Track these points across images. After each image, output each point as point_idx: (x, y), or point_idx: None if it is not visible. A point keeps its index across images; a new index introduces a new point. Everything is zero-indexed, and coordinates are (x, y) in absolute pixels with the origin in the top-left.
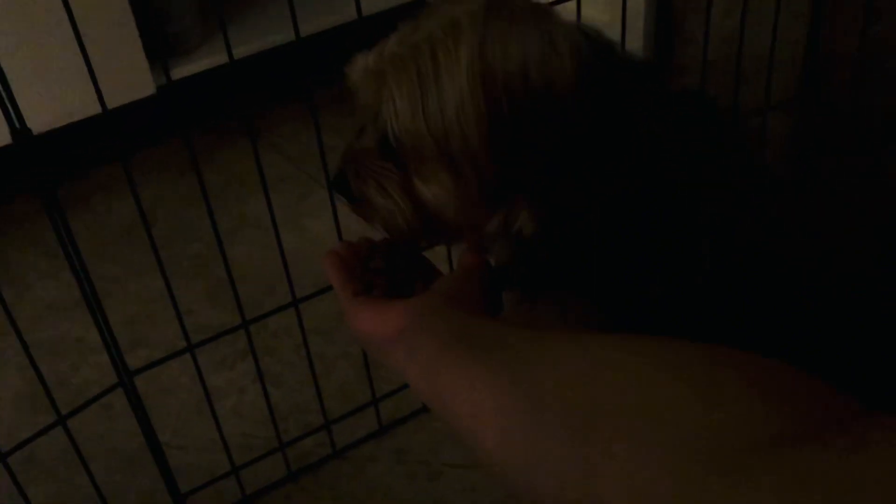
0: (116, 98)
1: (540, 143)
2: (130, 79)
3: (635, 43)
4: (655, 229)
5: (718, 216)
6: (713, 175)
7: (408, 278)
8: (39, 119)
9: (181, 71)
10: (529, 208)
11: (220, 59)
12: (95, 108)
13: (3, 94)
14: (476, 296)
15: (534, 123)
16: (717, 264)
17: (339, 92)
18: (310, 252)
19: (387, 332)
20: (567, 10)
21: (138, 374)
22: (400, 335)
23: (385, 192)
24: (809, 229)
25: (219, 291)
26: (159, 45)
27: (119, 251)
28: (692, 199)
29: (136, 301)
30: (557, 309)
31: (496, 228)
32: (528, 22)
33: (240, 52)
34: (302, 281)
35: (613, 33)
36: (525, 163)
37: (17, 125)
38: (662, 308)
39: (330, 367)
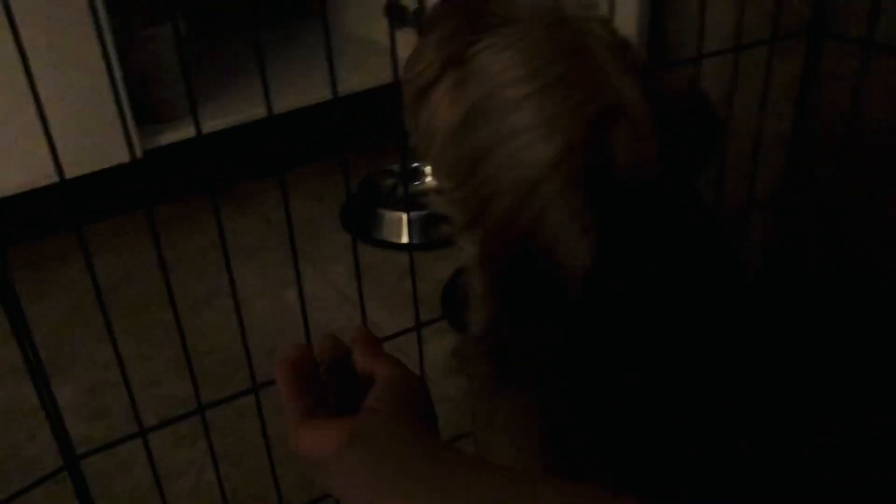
0: (102, 161)
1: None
2: (114, 143)
3: None
4: (626, 328)
5: (691, 321)
6: (693, 280)
7: (350, 391)
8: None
9: (169, 137)
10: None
11: (214, 124)
12: (73, 171)
13: None
14: (412, 408)
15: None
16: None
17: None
18: (287, 324)
19: (325, 450)
20: None
21: (84, 457)
22: (337, 454)
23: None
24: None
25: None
26: (118, 111)
27: (92, 313)
28: (669, 300)
29: (103, 367)
30: (513, 409)
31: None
32: None
33: (229, 120)
34: (275, 355)
35: None
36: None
37: None
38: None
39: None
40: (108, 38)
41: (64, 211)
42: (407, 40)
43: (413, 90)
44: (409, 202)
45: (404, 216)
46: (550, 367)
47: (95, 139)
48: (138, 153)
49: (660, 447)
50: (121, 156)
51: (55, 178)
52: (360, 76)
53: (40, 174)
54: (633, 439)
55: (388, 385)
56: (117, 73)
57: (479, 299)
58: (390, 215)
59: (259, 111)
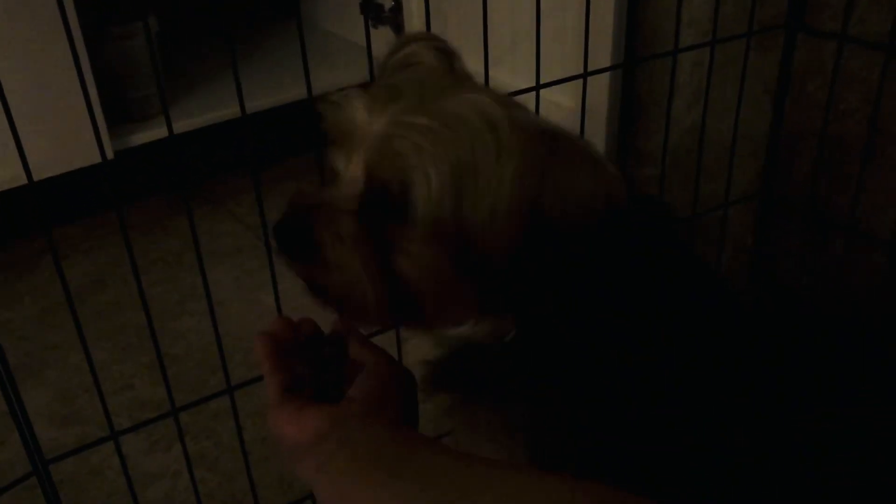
0: (71, 162)
1: (556, 267)
2: (83, 144)
3: (598, 130)
4: (620, 335)
5: (679, 330)
6: (672, 290)
7: (335, 376)
8: None
9: (144, 136)
10: (517, 318)
11: (186, 125)
12: (41, 174)
13: None
14: (395, 402)
15: (561, 250)
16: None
17: (298, 165)
18: (262, 327)
19: (301, 437)
20: (528, 97)
21: (54, 462)
22: (313, 444)
23: (360, 262)
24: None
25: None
26: (88, 110)
27: (64, 318)
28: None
29: (75, 372)
30: (498, 417)
31: (480, 332)
32: (584, 168)
33: (205, 119)
34: (251, 358)
35: (576, 119)
36: (533, 280)
37: None
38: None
39: (270, 453)
40: (78, 36)
41: (32, 213)
42: (383, 38)
43: None
44: None
45: None
46: (543, 374)
47: (64, 140)
48: (109, 154)
49: (655, 437)
50: (91, 157)
51: (22, 181)
52: (335, 74)
53: (5, 177)
54: (628, 433)
55: (375, 376)
56: (87, 72)
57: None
58: None
59: (231, 111)
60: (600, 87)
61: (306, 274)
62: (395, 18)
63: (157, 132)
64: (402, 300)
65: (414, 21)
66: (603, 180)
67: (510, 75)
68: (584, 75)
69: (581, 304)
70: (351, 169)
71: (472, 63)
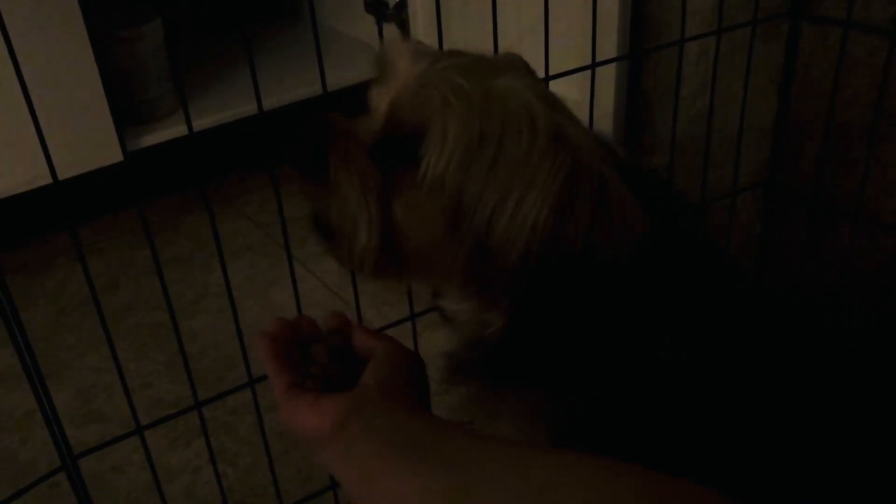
0: (83, 164)
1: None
2: (98, 145)
3: (605, 121)
4: (616, 323)
5: (679, 311)
6: (675, 277)
7: (342, 368)
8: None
9: (154, 138)
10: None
11: (194, 125)
12: (65, 173)
13: None
14: (409, 385)
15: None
16: (678, 358)
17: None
18: None
19: (322, 427)
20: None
21: (82, 457)
22: (335, 432)
23: (362, 195)
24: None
25: (179, 363)
26: (111, 112)
27: (80, 318)
28: (654, 295)
29: (93, 372)
30: (522, 407)
31: (463, 313)
32: (614, 217)
33: (215, 119)
34: None
35: (583, 111)
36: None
37: None
38: (623, 405)
39: (289, 446)
40: (86, 39)
41: (54, 214)
42: (387, 35)
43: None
44: None
45: None
46: (562, 367)
47: (74, 143)
48: (121, 155)
49: (662, 440)
50: (101, 159)
51: (35, 185)
52: (341, 72)
53: (19, 181)
54: (621, 431)
55: (385, 361)
56: (97, 76)
57: (476, 313)
58: None
59: (240, 110)
60: (606, 80)
61: (311, 193)
62: (399, 16)
63: (165, 133)
64: (391, 244)
65: (418, 18)
66: (629, 226)
67: None
68: (593, 66)
69: (581, 298)
70: (380, 105)
71: None
